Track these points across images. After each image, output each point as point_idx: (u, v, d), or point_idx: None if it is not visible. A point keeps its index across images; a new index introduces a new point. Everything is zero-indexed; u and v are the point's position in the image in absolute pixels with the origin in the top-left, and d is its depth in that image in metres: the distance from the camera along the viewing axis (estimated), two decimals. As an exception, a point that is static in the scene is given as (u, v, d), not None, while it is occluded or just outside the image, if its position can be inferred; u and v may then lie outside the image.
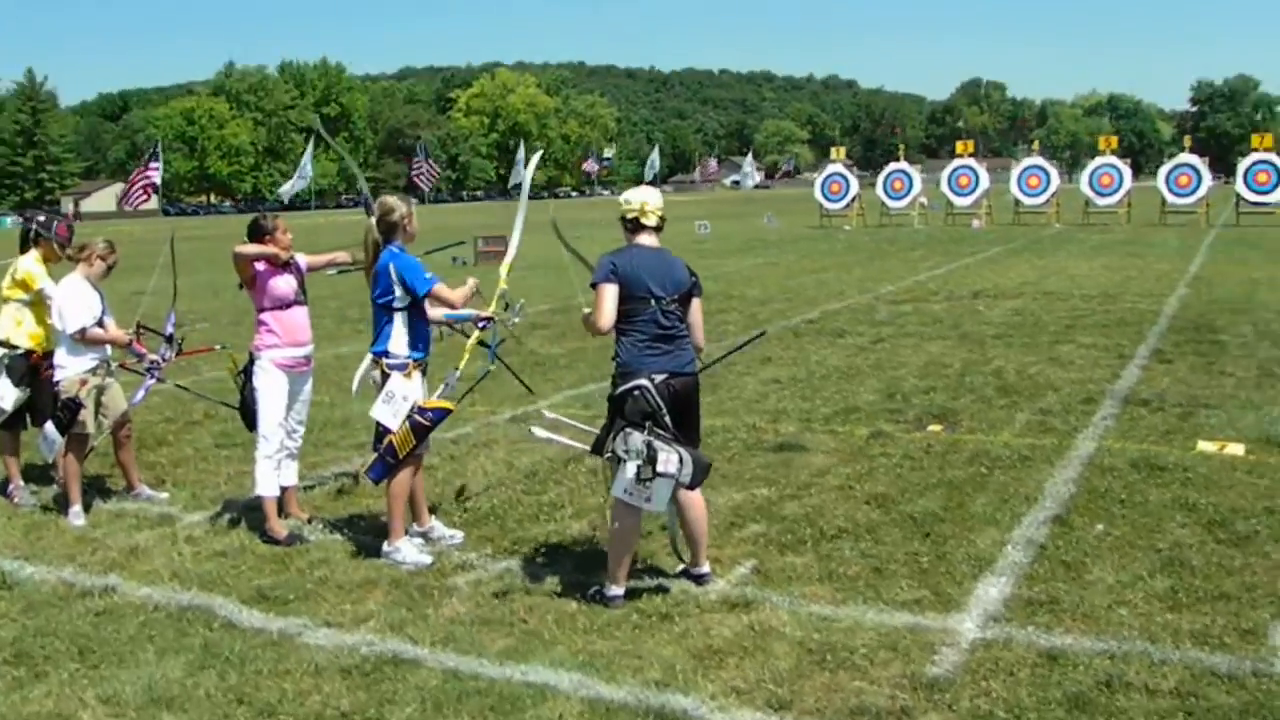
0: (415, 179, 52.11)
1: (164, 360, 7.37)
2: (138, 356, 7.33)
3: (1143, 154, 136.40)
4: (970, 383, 10.27)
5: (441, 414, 5.89)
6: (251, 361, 6.54)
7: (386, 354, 5.86)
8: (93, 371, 6.99)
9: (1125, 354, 11.56)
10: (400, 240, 5.93)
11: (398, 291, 5.82)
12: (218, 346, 9.26)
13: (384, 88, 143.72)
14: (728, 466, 7.57)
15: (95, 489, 7.45)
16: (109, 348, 7.18)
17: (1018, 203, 39.50)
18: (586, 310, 5.31)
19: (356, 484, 7.34)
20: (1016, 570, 5.50)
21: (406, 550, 5.84)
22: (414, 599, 5.34)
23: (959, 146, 41.28)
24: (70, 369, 6.92)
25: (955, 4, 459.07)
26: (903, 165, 41.35)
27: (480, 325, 6.31)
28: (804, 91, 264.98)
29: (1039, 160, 39.88)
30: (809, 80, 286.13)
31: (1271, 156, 34.93)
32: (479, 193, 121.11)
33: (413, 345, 5.88)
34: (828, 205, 41.64)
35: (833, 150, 43.71)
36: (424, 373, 6.01)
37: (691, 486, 5.08)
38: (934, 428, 8.53)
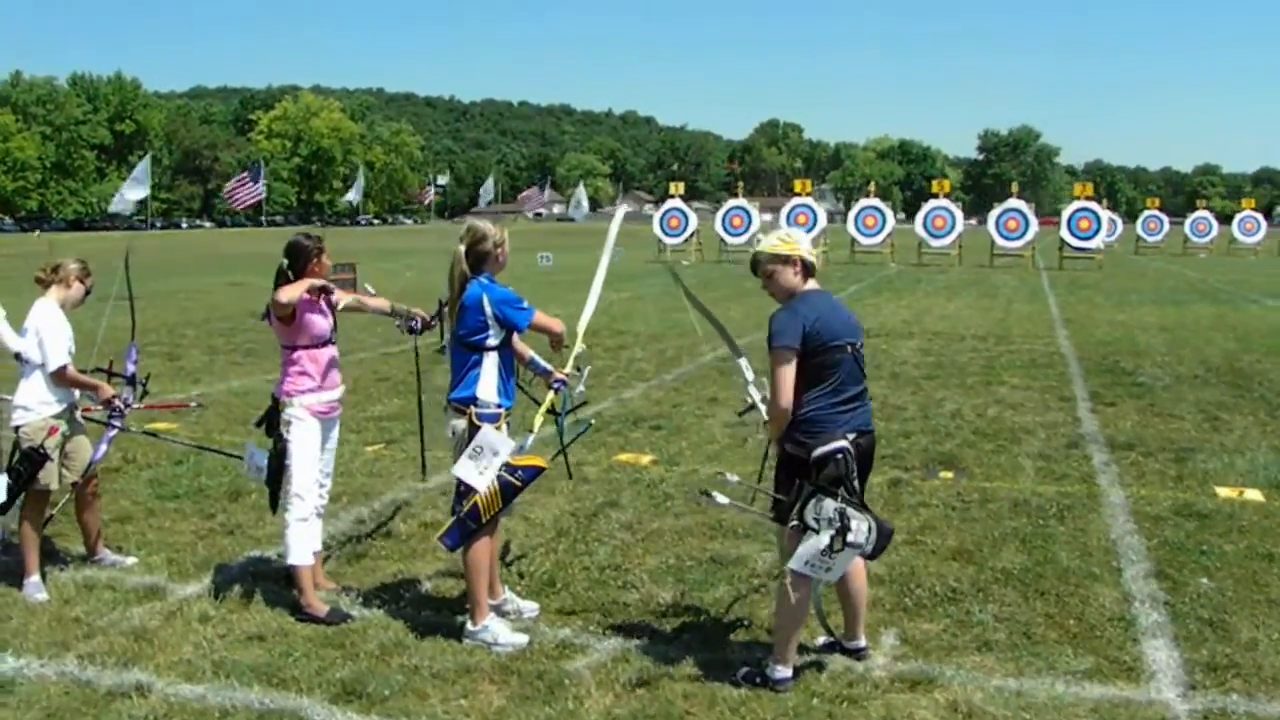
0: (231, 196, 49.80)
1: (126, 406, 6.29)
2: (100, 403, 6.24)
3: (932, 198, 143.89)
4: (941, 426, 10.10)
5: (534, 472, 5.12)
6: (274, 409, 5.59)
7: (475, 400, 5.05)
8: (61, 417, 5.89)
9: (1065, 396, 11.68)
10: (491, 270, 5.17)
11: (493, 328, 5.06)
12: (191, 404, 8.14)
13: (179, 106, 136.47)
14: (763, 520, 7.05)
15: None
16: (77, 391, 6.07)
17: (854, 242, 40.59)
18: (755, 397, 4.79)
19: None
20: (1164, 631, 5.23)
21: (498, 629, 5.04)
22: (541, 691, 4.57)
23: (797, 185, 42.13)
24: (36, 412, 5.80)
25: (754, 45, 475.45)
26: (741, 201, 41.91)
27: (554, 386, 5.53)
28: (603, 126, 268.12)
29: (875, 201, 41.14)
30: (608, 115, 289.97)
31: (1092, 204, 37.19)
32: (278, 217, 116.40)
33: (503, 391, 5.11)
34: (666, 240, 41.77)
35: (671, 185, 43.94)
36: (509, 425, 5.24)
37: (873, 556, 4.54)
38: (946, 474, 8.26)
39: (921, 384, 12.52)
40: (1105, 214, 38.66)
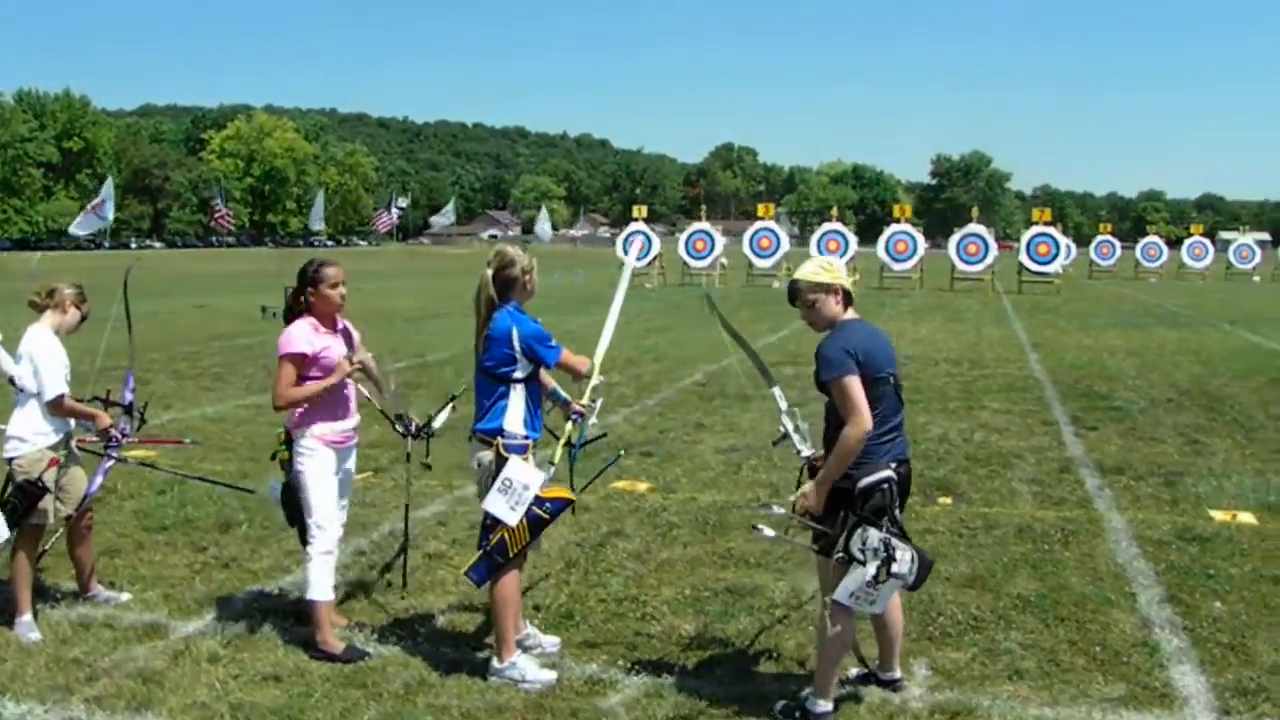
0: (219, 222, 49.65)
1: (123, 435, 6.10)
2: (95, 432, 6.04)
3: (885, 222, 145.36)
4: (931, 451, 10.10)
5: (562, 505, 5.01)
6: (288, 442, 5.44)
7: (502, 432, 4.94)
8: (57, 448, 5.70)
9: (1047, 420, 11.75)
10: (518, 298, 5.07)
11: (520, 362, 4.96)
12: (187, 441, 7.93)
13: (129, 124, 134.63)
14: (773, 548, 6.99)
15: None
16: (73, 420, 5.88)
17: (882, 266, 40.75)
18: (788, 426, 4.77)
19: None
20: (1188, 656, 5.25)
21: (525, 666, 4.92)
22: (579, 729, 4.46)
23: (760, 209, 42.32)
24: (32, 443, 5.60)
25: (709, 69, 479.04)
26: (704, 225, 42.04)
27: (571, 418, 5.42)
28: (558, 149, 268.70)
29: (838, 226, 41.41)
30: (563, 138, 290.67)
31: (1050, 230, 37.72)
32: (229, 238, 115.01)
33: (530, 423, 5.01)
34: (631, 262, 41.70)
35: (634, 209, 43.90)
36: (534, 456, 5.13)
37: (914, 587, 4.49)
38: (944, 500, 8.27)
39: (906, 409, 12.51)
40: (1063, 239, 39.23)
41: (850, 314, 4.67)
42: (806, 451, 4.87)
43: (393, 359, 16.90)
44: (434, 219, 69.39)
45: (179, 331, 21.37)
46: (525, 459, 4.92)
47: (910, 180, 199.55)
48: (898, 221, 40.65)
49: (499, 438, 4.92)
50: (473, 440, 5.06)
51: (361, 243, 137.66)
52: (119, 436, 6.03)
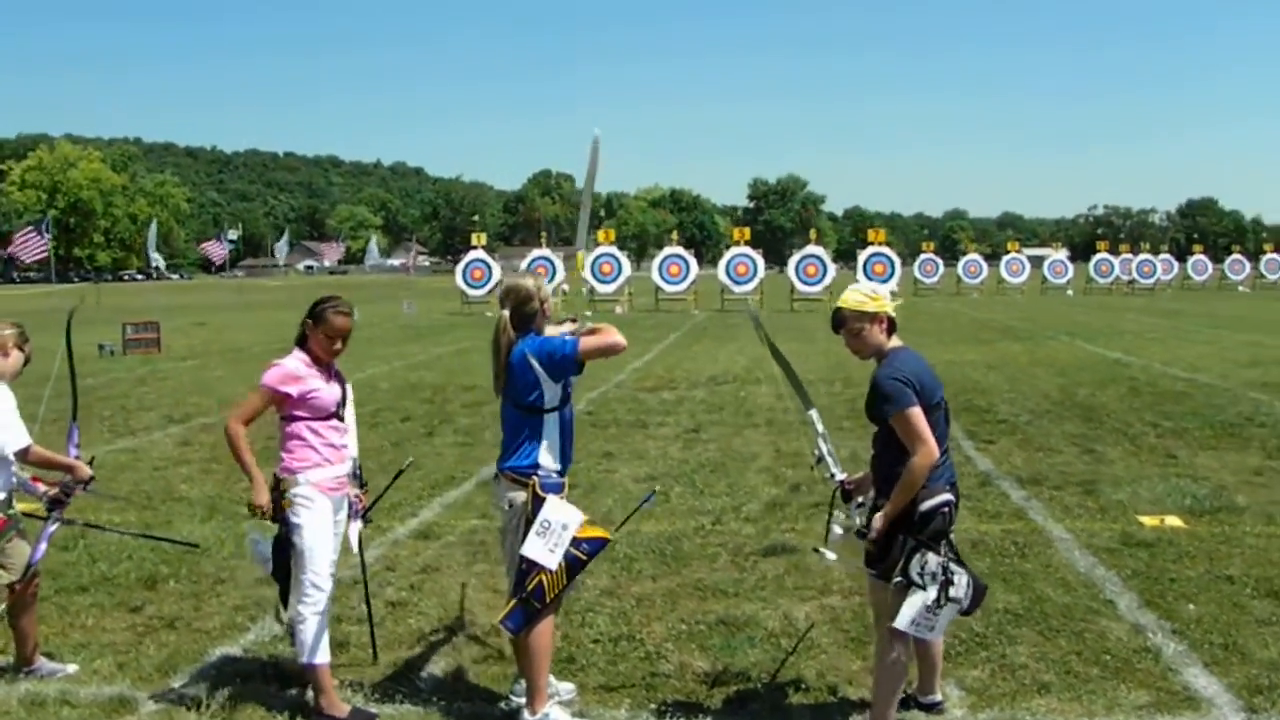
0: (16, 253, 46.55)
1: (66, 495, 5.56)
2: (30, 491, 5.51)
3: (704, 245, 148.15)
4: (850, 470, 10.18)
5: (599, 544, 4.79)
6: (275, 488, 5.05)
7: (537, 469, 4.71)
8: (3, 507, 5.17)
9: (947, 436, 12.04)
10: (536, 328, 4.82)
11: (545, 385, 4.71)
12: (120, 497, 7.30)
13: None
14: (744, 575, 6.96)
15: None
16: (15, 475, 5.34)
17: (659, 289, 41.22)
18: (824, 449, 4.78)
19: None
20: (1191, 659, 5.43)
21: (559, 717, 4.69)
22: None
23: (600, 235, 42.50)
24: (-21, 503, 5.06)
25: (522, 96, 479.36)
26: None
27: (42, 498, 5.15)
28: (373, 177, 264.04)
29: (679, 250, 41.95)
30: (377, 166, 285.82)
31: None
32: (31, 273, 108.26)
33: (563, 455, 4.79)
34: (470, 292, 41.33)
35: (473, 237, 43.45)
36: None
37: (969, 611, 4.48)
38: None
39: (802, 428, 12.68)
40: (899, 260, 40.87)
41: (896, 341, 4.65)
42: (840, 475, 4.84)
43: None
44: (278, 248, 67.06)
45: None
46: (561, 497, 4.71)
47: (729, 203, 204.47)
48: (738, 244, 41.49)
49: (534, 475, 4.68)
50: (500, 480, 4.80)
51: (174, 276, 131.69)
52: (63, 494, 5.50)
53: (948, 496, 4.46)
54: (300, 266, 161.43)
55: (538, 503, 4.64)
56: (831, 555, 4.56)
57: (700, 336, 28.40)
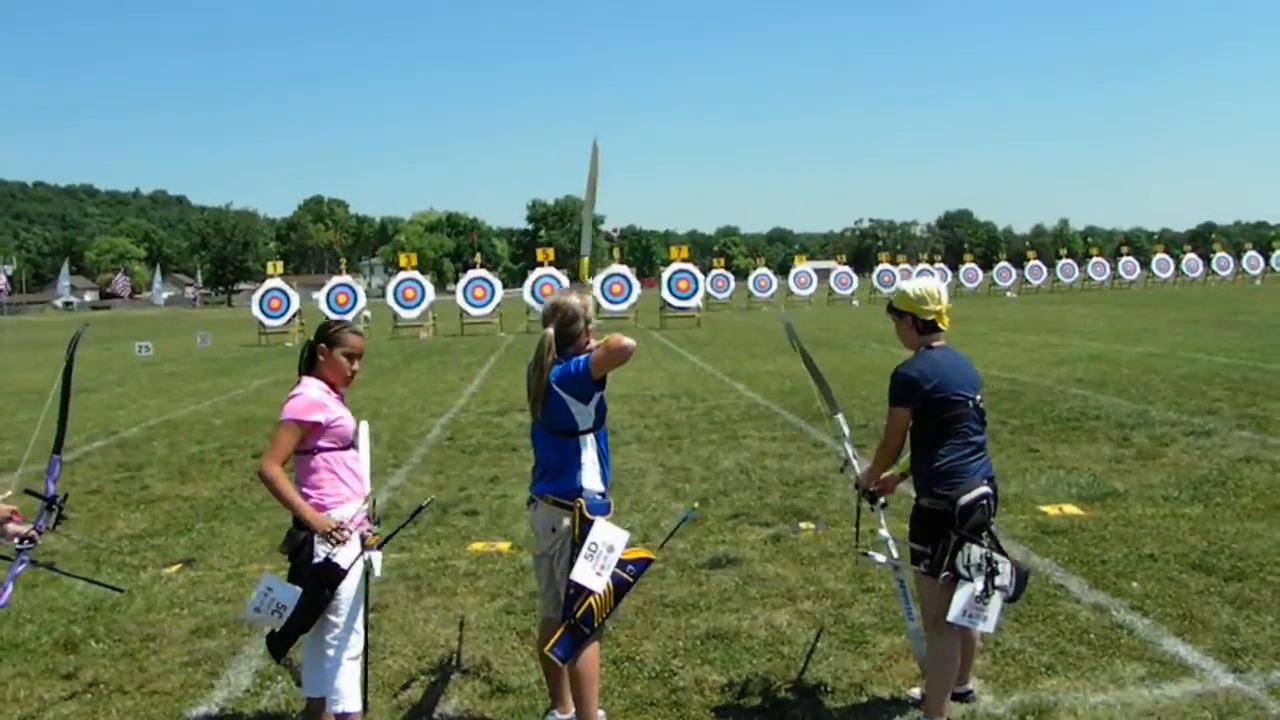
0: None
1: (38, 534, 5.07)
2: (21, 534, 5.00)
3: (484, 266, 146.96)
4: (742, 481, 10.40)
5: (644, 565, 4.74)
6: (298, 527, 4.75)
7: (582, 492, 4.62)
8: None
9: (817, 443, 12.44)
10: (576, 349, 4.72)
11: (575, 407, 4.64)
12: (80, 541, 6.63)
13: None
14: (704, 589, 7.02)
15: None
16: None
17: (463, 313, 40.72)
18: (849, 452, 4.95)
19: None
20: (1159, 631, 5.82)
21: (612, 740, 4.62)
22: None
23: (403, 260, 41.65)
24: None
25: (296, 121, 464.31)
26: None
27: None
28: (131, 207, 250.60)
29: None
30: (136, 195, 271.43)
31: (689, 266, 40.03)
32: None
33: (604, 477, 4.73)
34: (268, 322, 39.78)
35: (270, 265, 41.96)
36: None
37: (1014, 599, 4.69)
38: (806, 525, 8.51)
39: (676, 444, 12.83)
40: (701, 276, 41.72)
41: (939, 341, 4.82)
42: (861, 475, 5.05)
43: (85, 440, 15.09)
44: (61, 284, 62.48)
45: None
46: (608, 518, 4.64)
47: (507, 225, 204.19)
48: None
49: (579, 499, 4.60)
50: (539, 505, 4.69)
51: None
52: (34, 535, 5.01)
53: (985, 490, 4.66)
54: (57, 302, 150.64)
55: (585, 525, 4.56)
56: (881, 558, 4.69)
57: (519, 359, 28.24)
